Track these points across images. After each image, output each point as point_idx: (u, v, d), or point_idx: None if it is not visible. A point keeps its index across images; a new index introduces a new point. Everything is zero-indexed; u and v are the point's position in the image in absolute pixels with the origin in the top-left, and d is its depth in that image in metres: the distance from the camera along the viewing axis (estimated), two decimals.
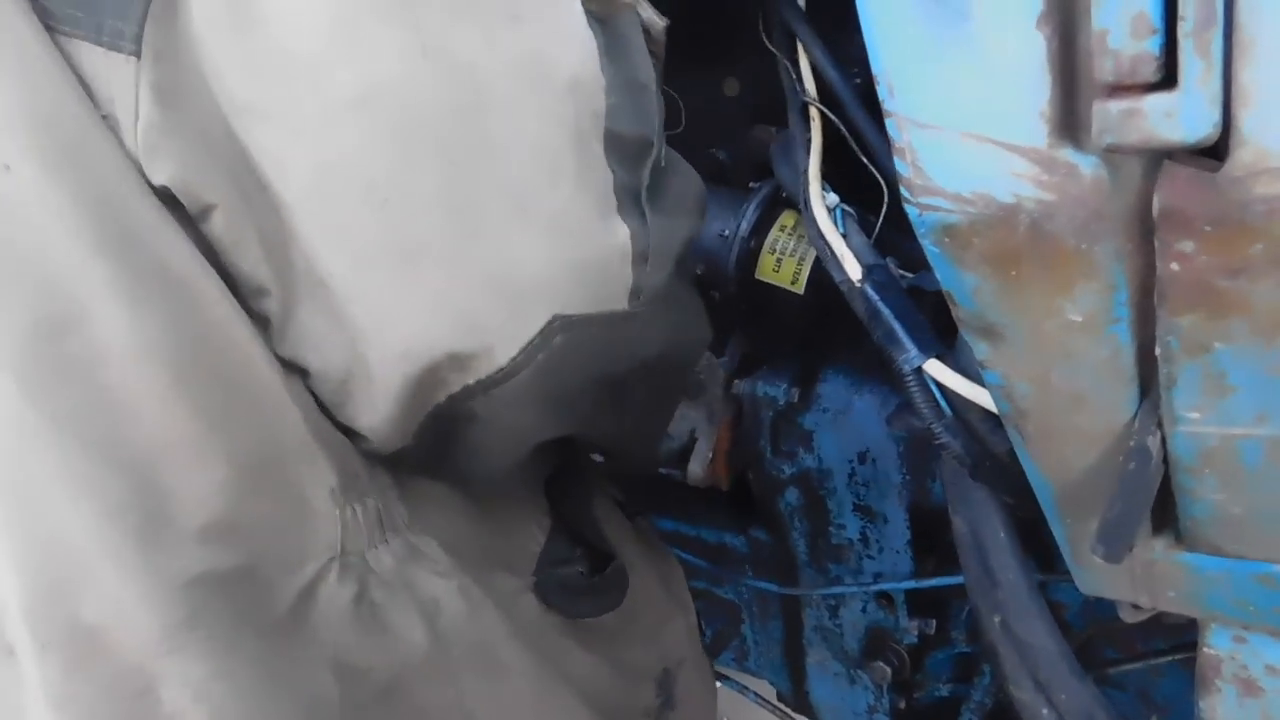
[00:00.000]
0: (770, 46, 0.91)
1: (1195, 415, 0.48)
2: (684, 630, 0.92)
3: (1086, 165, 0.40)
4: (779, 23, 0.90)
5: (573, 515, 0.83)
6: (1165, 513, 0.58)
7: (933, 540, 1.05)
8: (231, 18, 0.56)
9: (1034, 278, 0.45)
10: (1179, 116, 0.35)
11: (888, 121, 0.43)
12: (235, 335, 0.60)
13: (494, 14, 0.58)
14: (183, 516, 0.58)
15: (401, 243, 0.59)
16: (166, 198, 0.58)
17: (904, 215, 0.48)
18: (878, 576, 1.08)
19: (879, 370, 1.01)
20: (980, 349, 0.52)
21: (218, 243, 0.59)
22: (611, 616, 0.82)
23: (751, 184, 1.06)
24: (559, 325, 0.62)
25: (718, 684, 1.29)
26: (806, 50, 0.88)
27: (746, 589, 1.24)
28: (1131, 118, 0.36)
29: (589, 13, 0.62)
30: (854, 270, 0.78)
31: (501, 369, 0.62)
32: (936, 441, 0.72)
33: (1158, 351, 0.46)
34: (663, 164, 0.67)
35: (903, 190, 0.45)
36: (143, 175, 0.57)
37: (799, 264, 1.02)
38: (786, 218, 1.03)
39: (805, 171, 0.85)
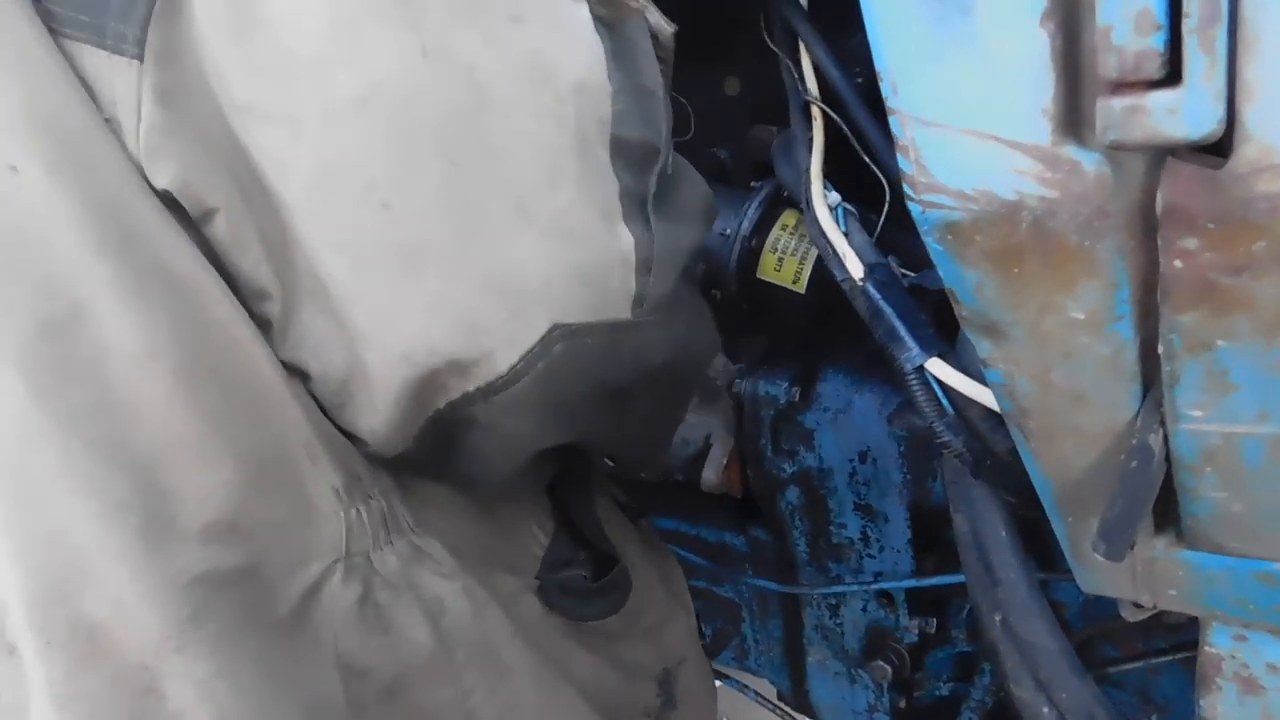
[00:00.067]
0: (772, 45, 0.91)
1: (1197, 413, 0.48)
2: (685, 630, 0.92)
3: (1090, 162, 0.40)
4: (780, 21, 0.90)
5: (576, 517, 0.82)
6: (1167, 511, 0.58)
7: (933, 539, 1.06)
8: (233, 20, 0.56)
9: (1036, 275, 0.45)
10: (1183, 113, 0.35)
11: (891, 119, 0.43)
12: (237, 336, 0.60)
13: (495, 15, 0.58)
14: (185, 516, 0.58)
15: (401, 245, 0.59)
16: (168, 200, 0.58)
17: (905, 214, 0.48)
18: (878, 575, 1.08)
19: (879, 369, 1.01)
20: (982, 347, 0.52)
21: (219, 245, 0.60)
22: (614, 618, 0.81)
23: (753, 183, 1.06)
24: (559, 334, 0.61)
25: (718, 683, 1.29)
26: (808, 49, 0.88)
27: (747, 588, 1.24)
28: (1135, 114, 0.36)
29: (596, 18, 0.62)
30: (856, 269, 0.78)
31: (502, 376, 0.62)
32: (938, 440, 0.72)
33: (1160, 349, 0.46)
34: (669, 171, 0.66)
35: (906, 187, 0.45)
36: (145, 178, 0.57)
37: (800, 263, 1.02)
38: (788, 217, 1.03)
39: (807, 170, 0.85)
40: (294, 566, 0.62)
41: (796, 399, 1.02)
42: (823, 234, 0.81)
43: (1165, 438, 0.51)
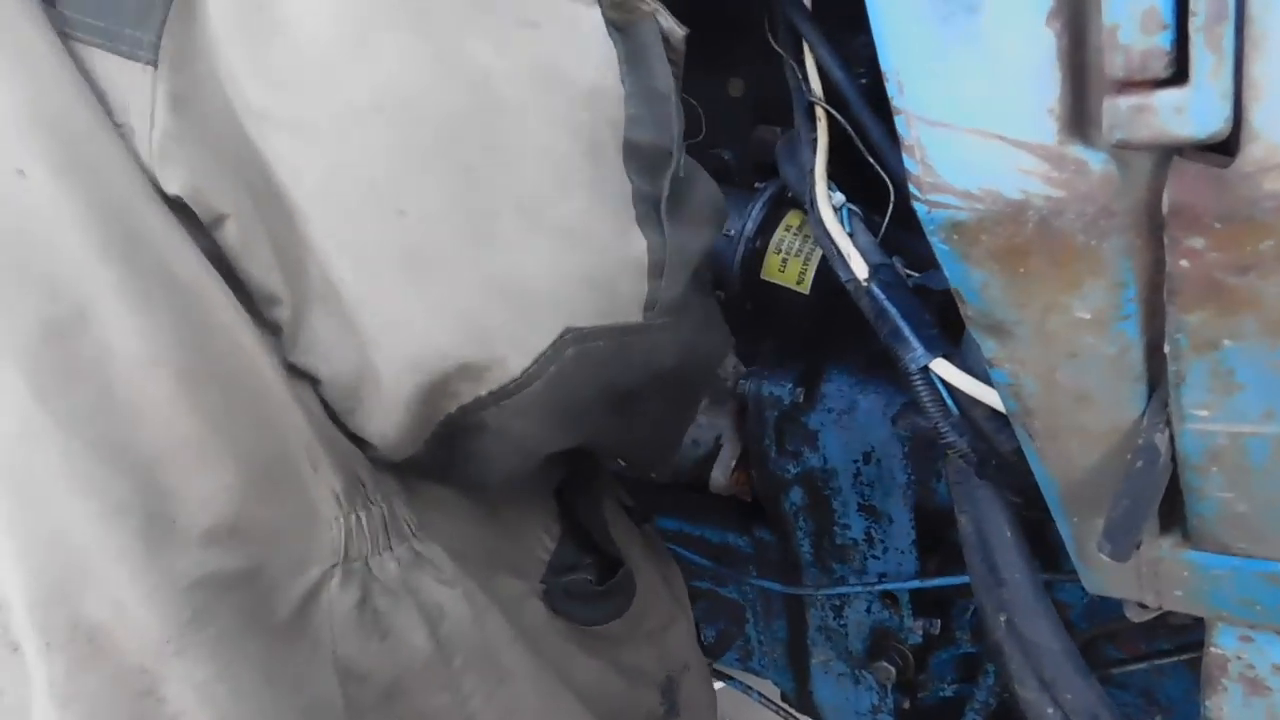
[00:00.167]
0: (776, 46, 0.91)
1: (1203, 413, 0.48)
2: (686, 634, 0.92)
3: (1096, 161, 0.40)
4: (784, 22, 0.90)
5: (584, 520, 0.82)
6: (1172, 511, 0.58)
7: (937, 540, 1.05)
8: (248, 26, 0.56)
9: (1042, 274, 0.45)
10: (1189, 112, 0.35)
11: (896, 119, 0.43)
12: (241, 341, 0.60)
13: (508, 21, 0.58)
14: (186, 518, 0.58)
15: (413, 250, 0.59)
16: (179, 205, 0.58)
17: (910, 214, 0.48)
18: (882, 576, 1.08)
19: (884, 370, 1.01)
20: (988, 346, 0.52)
21: (229, 250, 0.60)
22: (618, 621, 0.81)
23: (756, 184, 1.06)
24: (571, 337, 0.61)
25: (722, 684, 1.29)
26: (812, 49, 0.88)
27: (750, 589, 1.24)
28: (1142, 113, 0.36)
29: (608, 21, 0.62)
30: (860, 269, 0.78)
31: (514, 380, 0.62)
32: (942, 440, 0.72)
33: (1166, 348, 0.46)
34: (681, 173, 0.67)
35: (911, 187, 0.45)
36: (154, 183, 0.57)
37: (804, 264, 1.02)
38: (792, 218, 1.03)
39: (811, 171, 0.85)
40: (294, 570, 0.62)
41: (800, 400, 1.02)
42: (827, 234, 0.81)
43: (1171, 437, 0.51)
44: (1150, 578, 0.63)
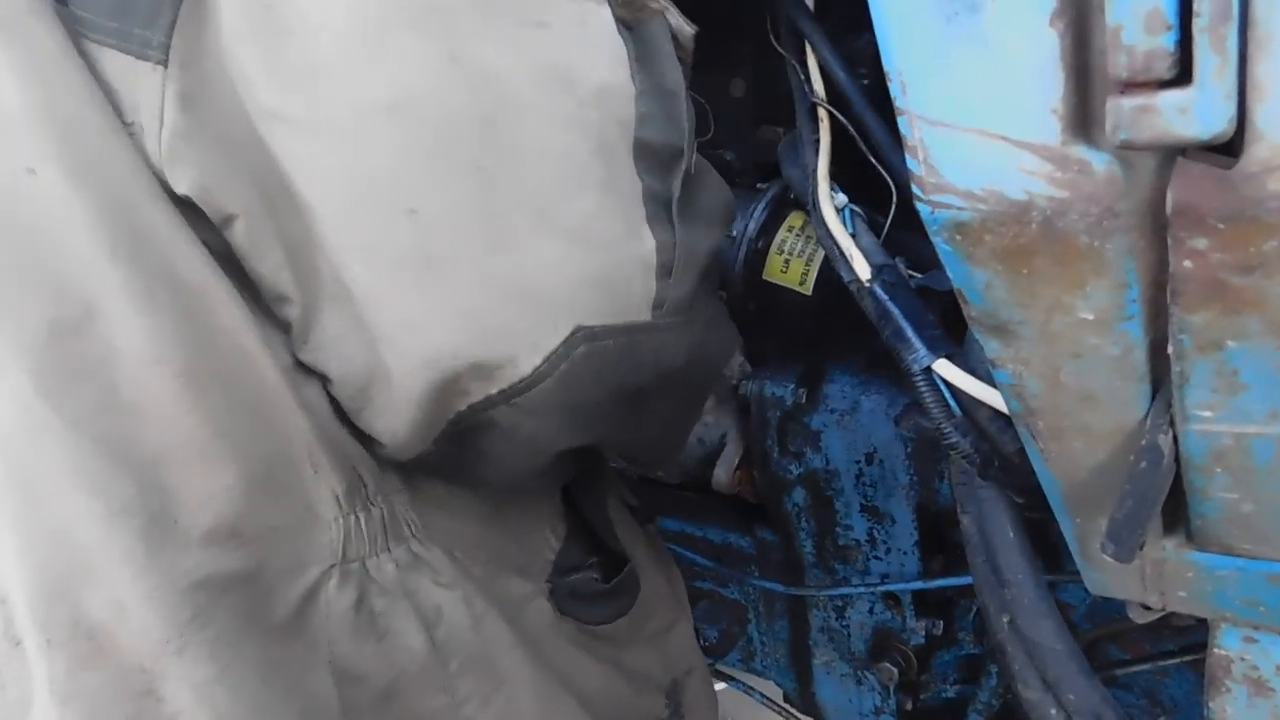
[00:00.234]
0: (778, 47, 0.91)
1: (1207, 413, 0.48)
2: (688, 636, 0.93)
3: (1099, 162, 0.40)
4: (786, 23, 0.90)
5: (590, 518, 0.83)
6: (1176, 512, 0.58)
7: (940, 541, 1.05)
8: (260, 27, 0.56)
9: (1046, 275, 0.45)
10: (1193, 112, 0.35)
11: (900, 119, 0.43)
12: (244, 343, 0.61)
13: (520, 21, 0.59)
14: (188, 519, 0.59)
15: (426, 250, 0.59)
16: (188, 205, 0.58)
17: (912, 215, 0.48)
18: (885, 577, 1.08)
19: (886, 370, 1.01)
20: (991, 347, 0.52)
21: (239, 249, 0.60)
22: (623, 622, 0.82)
23: (759, 185, 1.06)
24: (581, 336, 0.62)
25: (724, 685, 1.29)
26: (814, 50, 0.88)
27: (753, 589, 1.24)
28: (1145, 114, 0.36)
29: (618, 20, 0.62)
30: (863, 270, 0.78)
31: (524, 379, 0.62)
32: (945, 441, 0.72)
33: (1170, 349, 0.46)
34: (693, 173, 0.67)
35: (914, 188, 0.45)
36: (162, 183, 0.58)
37: (807, 265, 1.02)
38: (794, 218, 1.03)
39: (813, 172, 0.85)
40: (292, 571, 0.62)
41: (803, 400, 1.02)
42: (830, 235, 0.81)
43: (1175, 438, 0.51)
44: (1154, 578, 0.63)
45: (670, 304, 0.65)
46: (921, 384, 0.72)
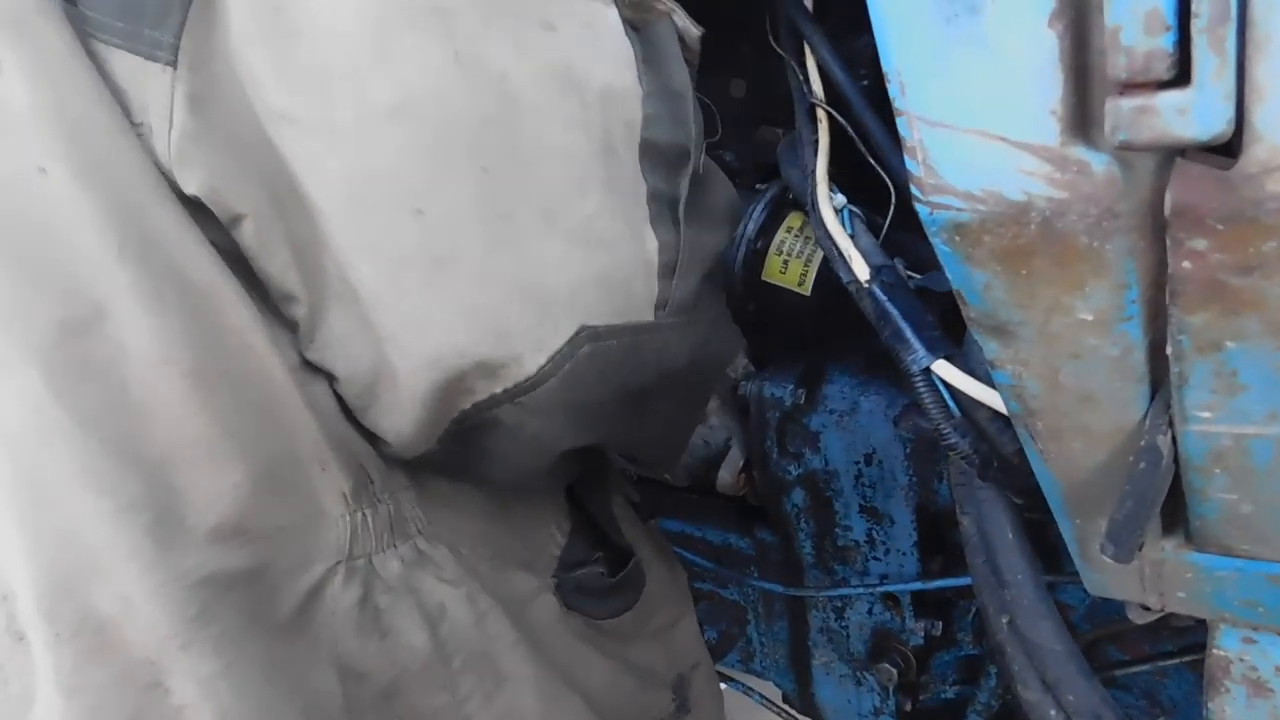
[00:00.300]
0: (777, 48, 0.91)
1: (1206, 414, 0.48)
2: (693, 631, 0.93)
3: (1098, 163, 0.40)
4: (785, 24, 0.90)
5: (595, 515, 0.83)
6: (1175, 512, 0.58)
7: (939, 541, 1.05)
8: (268, 28, 0.56)
9: (1045, 275, 0.45)
10: (1192, 113, 0.35)
11: (899, 120, 0.43)
12: (252, 343, 0.61)
13: (527, 23, 0.59)
14: (195, 517, 0.59)
15: (432, 251, 0.59)
16: (196, 205, 0.59)
17: (911, 216, 0.48)
18: (884, 578, 1.08)
19: (885, 371, 1.01)
20: (990, 348, 0.52)
21: (247, 249, 0.60)
22: (628, 617, 0.82)
23: (758, 185, 1.06)
24: (586, 336, 0.62)
25: (724, 686, 1.29)
26: (813, 51, 0.88)
27: (752, 590, 1.24)
28: (1144, 115, 0.36)
29: (626, 21, 0.62)
30: (862, 271, 0.78)
31: (529, 378, 0.62)
32: (944, 442, 0.72)
33: (1169, 350, 0.46)
34: (700, 173, 0.67)
35: (913, 189, 0.45)
36: (171, 183, 0.58)
37: (806, 265, 1.02)
38: (793, 219, 1.04)
39: (812, 172, 0.85)
40: (298, 568, 0.63)
41: (802, 401, 1.02)
42: (829, 236, 0.81)
43: (1174, 439, 0.51)
44: (1153, 579, 0.63)
45: (673, 304, 0.65)
46: (920, 385, 0.72)
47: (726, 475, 1.09)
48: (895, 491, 1.02)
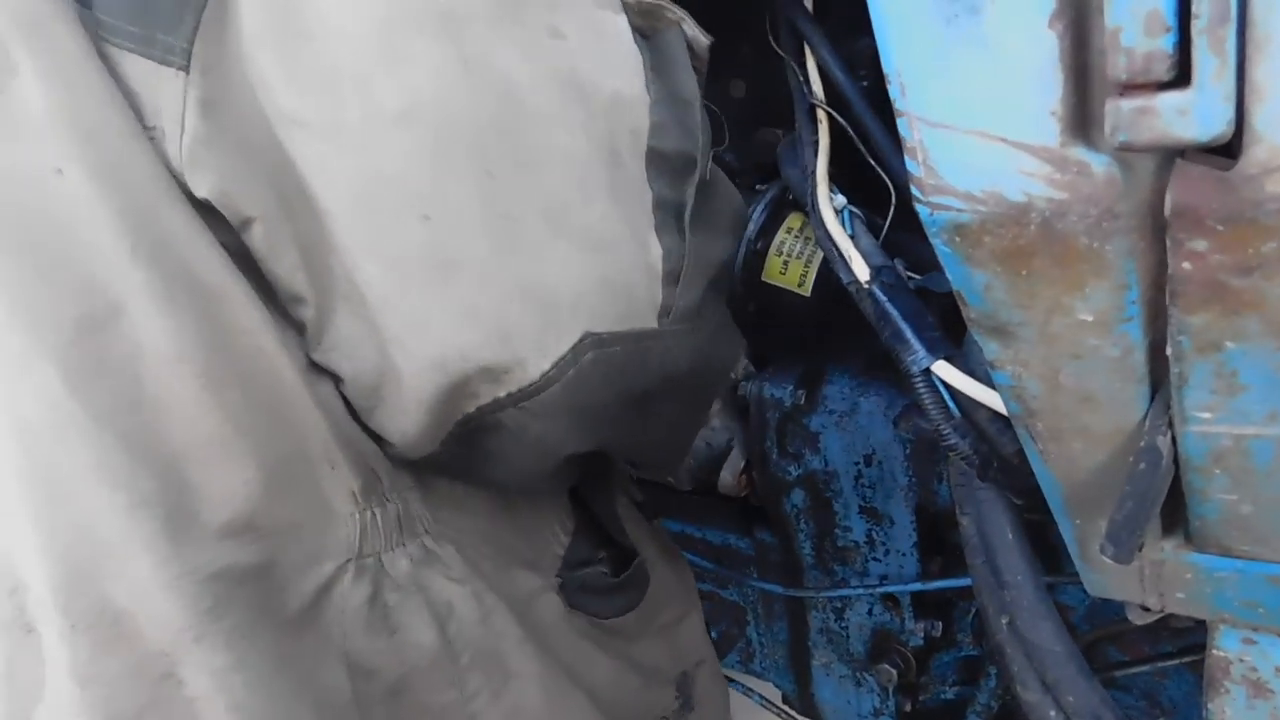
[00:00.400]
0: (777, 48, 0.91)
1: (1206, 415, 0.48)
2: (698, 628, 0.93)
3: (1098, 163, 0.40)
4: (785, 24, 0.90)
5: (599, 514, 0.84)
6: (1175, 513, 0.58)
7: (938, 542, 1.05)
8: (279, 33, 0.57)
9: (1045, 276, 0.45)
10: (1192, 114, 0.35)
11: (899, 120, 0.43)
12: (262, 343, 0.62)
13: (536, 30, 0.60)
14: (207, 513, 0.60)
15: (438, 255, 0.60)
16: (207, 207, 0.59)
17: (911, 217, 0.48)
18: (883, 579, 1.08)
19: (885, 372, 1.01)
20: (990, 348, 0.52)
21: (256, 251, 0.61)
22: (632, 615, 0.82)
23: (758, 186, 1.06)
24: (589, 342, 0.62)
25: None
26: (813, 51, 0.88)
27: (752, 591, 1.24)
28: (1144, 116, 0.36)
29: (635, 29, 0.62)
30: (862, 271, 0.78)
31: (532, 383, 0.63)
32: (944, 443, 0.72)
33: (1169, 350, 0.46)
34: (707, 180, 0.67)
35: (914, 189, 0.45)
36: (182, 186, 0.59)
37: (806, 266, 1.02)
38: (793, 220, 1.04)
39: (812, 173, 0.85)
40: (308, 565, 0.64)
41: (802, 402, 1.02)
42: (829, 236, 0.81)
43: (1174, 439, 0.51)
44: (1152, 580, 0.63)
45: (677, 311, 0.66)
46: (920, 385, 0.72)
47: (728, 476, 1.09)
48: (895, 492, 1.02)
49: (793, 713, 1.30)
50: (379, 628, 0.66)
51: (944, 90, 0.41)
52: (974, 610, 1.09)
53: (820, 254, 1.01)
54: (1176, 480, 0.53)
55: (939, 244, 0.47)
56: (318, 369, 0.64)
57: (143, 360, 0.58)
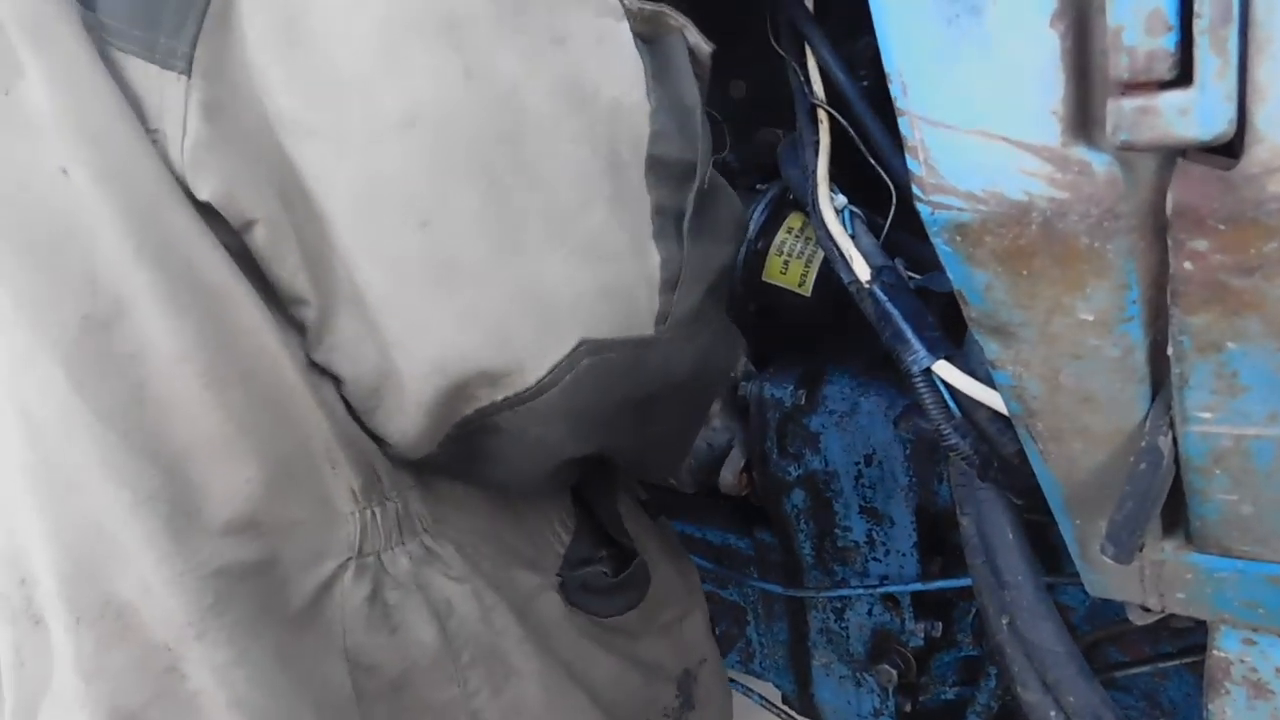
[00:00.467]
0: (778, 49, 0.91)
1: (1207, 415, 0.48)
2: (701, 626, 0.93)
3: (1100, 163, 0.40)
4: (786, 24, 0.90)
5: (600, 513, 0.84)
6: (1175, 513, 0.58)
7: (939, 542, 1.05)
8: (282, 38, 0.57)
9: (1046, 276, 0.45)
10: (1194, 114, 0.35)
11: (900, 120, 0.43)
12: (265, 343, 0.62)
13: (538, 37, 0.60)
14: (210, 510, 0.61)
15: (438, 260, 0.60)
16: (209, 209, 0.60)
17: (912, 217, 0.48)
18: (883, 579, 1.08)
19: (885, 372, 1.01)
20: (991, 348, 0.52)
21: (258, 253, 0.61)
22: (634, 614, 0.83)
23: (758, 186, 1.06)
24: (586, 349, 0.63)
25: None
26: (814, 51, 0.88)
27: (752, 591, 1.24)
28: (1146, 115, 0.36)
29: (637, 36, 0.63)
30: (863, 271, 0.78)
31: (530, 387, 0.63)
32: (944, 443, 0.72)
33: (1170, 350, 0.46)
34: (706, 188, 0.67)
35: (915, 188, 0.45)
36: (184, 188, 0.59)
37: (806, 266, 1.02)
38: (794, 220, 1.04)
39: (813, 173, 0.85)
40: (309, 563, 0.65)
41: (802, 402, 1.02)
42: (829, 236, 0.81)
43: (1174, 439, 0.51)
44: (1153, 580, 0.63)
45: (674, 318, 0.66)
46: (921, 385, 0.72)
47: (729, 476, 1.09)
48: (895, 492, 1.02)
49: (793, 713, 1.30)
50: (379, 625, 0.66)
51: (945, 90, 0.41)
52: (974, 610, 1.09)
53: (821, 254, 1.01)
54: (1177, 480, 0.53)
55: (940, 243, 0.47)
56: (319, 369, 0.65)
57: (146, 359, 0.59)
